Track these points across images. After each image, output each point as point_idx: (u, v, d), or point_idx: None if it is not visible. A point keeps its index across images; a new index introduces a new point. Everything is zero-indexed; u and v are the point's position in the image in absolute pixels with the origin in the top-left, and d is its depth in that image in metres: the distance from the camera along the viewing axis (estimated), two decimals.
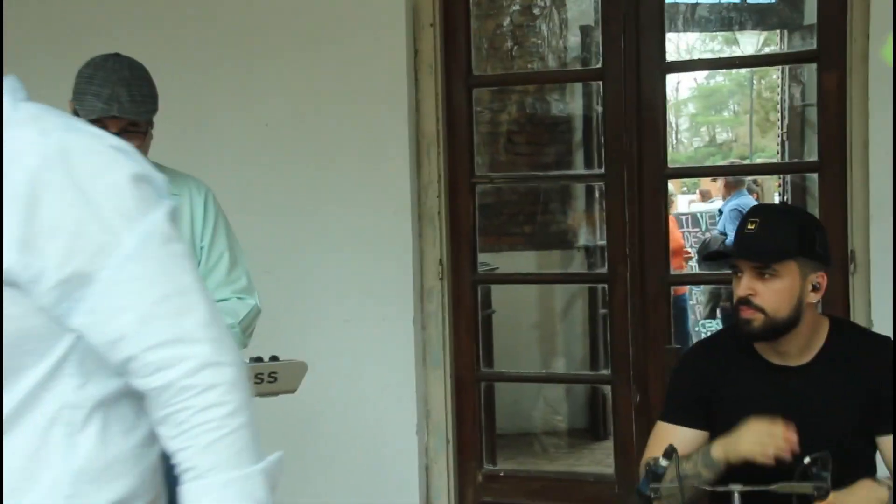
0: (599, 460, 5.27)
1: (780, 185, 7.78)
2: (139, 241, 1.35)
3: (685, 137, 21.82)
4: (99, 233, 1.34)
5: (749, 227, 2.34)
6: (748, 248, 2.32)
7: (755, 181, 8.24)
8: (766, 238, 2.30)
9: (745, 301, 2.32)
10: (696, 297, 8.09)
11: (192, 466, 1.37)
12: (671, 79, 19.21)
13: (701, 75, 21.28)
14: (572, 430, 6.21)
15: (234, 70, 3.51)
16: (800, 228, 2.33)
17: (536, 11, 6.78)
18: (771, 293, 2.29)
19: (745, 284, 2.32)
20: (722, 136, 20.30)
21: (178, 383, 1.37)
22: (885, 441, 2.34)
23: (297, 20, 3.48)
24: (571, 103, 6.84)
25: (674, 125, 21.62)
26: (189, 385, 1.37)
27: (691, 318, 7.78)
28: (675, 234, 7.33)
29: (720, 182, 8.32)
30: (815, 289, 2.33)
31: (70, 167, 1.33)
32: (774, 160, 9.29)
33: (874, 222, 3.05)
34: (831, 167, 3.21)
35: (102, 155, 1.37)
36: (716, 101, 20.43)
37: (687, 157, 19.90)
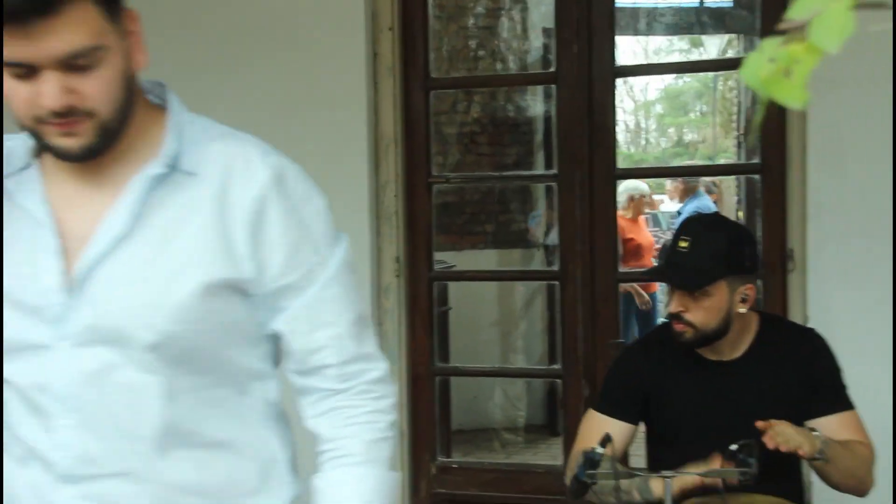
0: (555, 455, 5.39)
1: (738, 186, 7.94)
2: (338, 266, 1.54)
3: (653, 138, 22.01)
4: (311, 253, 1.51)
5: (681, 244, 2.45)
6: (679, 271, 2.45)
7: (714, 182, 8.40)
8: (696, 260, 2.42)
9: (677, 316, 2.45)
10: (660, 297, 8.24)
11: (353, 453, 1.55)
12: (640, 81, 19.31)
13: (669, 76, 21.47)
14: (530, 425, 6.34)
15: (195, 74, 3.58)
16: (728, 246, 2.45)
17: (499, 13, 6.90)
18: (701, 310, 2.43)
19: (677, 301, 2.45)
20: (688, 137, 20.51)
21: (360, 387, 1.57)
22: (816, 425, 2.46)
23: (257, 25, 3.57)
24: (533, 104, 6.97)
25: (643, 126, 21.83)
26: (369, 389, 1.57)
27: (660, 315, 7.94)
28: (646, 233, 7.49)
29: (674, 185, 8.48)
30: (743, 300, 2.46)
31: (288, 190, 1.50)
32: (733, 161, 9.47)
33: (811, 222, 3.18)
34: (772, 169, 3.33)
35: (307, 181, 1.55)
36: (683, 103, 20.64)
37: (654, 157, 20.10)
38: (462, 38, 6.78)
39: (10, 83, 1.33)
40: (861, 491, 2.42)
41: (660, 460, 2.55)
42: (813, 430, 2.32)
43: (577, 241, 3.54)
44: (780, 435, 2.21)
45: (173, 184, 1.45)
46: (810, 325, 2.95)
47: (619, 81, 3.68)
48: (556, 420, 5.89)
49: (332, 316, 1.54)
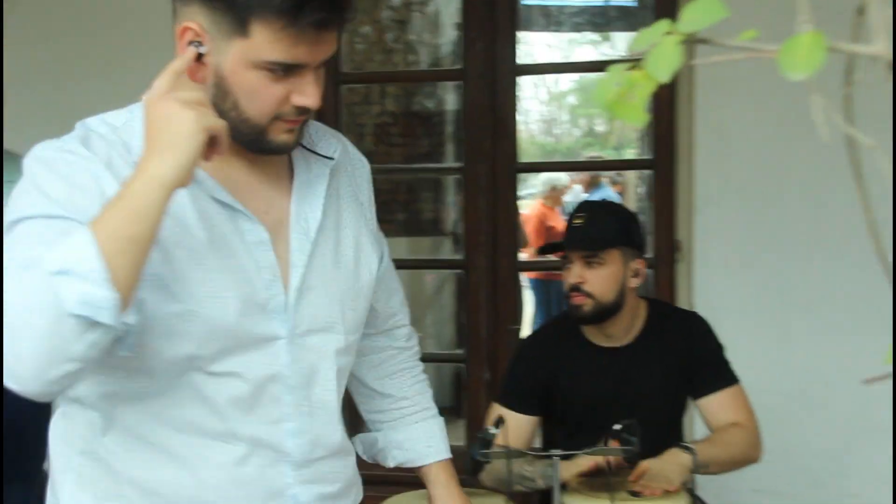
0: (460, 436, 5.54)
1: (639, 178, 8.21)
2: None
3: (566, 128, 22.31)
4: (378, 230, 1.71)
5: (577, 220, 2.62)
6: (577, 239, 2.61)
7: (619, 174, 8.66)
8: (592, 230, 2.59)
9: (576, 288, 2.61)
10: None
11: (429, 407, 1.86)
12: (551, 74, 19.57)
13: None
14: (439, 408, 6.47)
15: (68, 75, 3.59)
16: (620, 221, 2.63)
17: (412, 7, 7.01)
18: (598, 279, 2.58)
19: (576, 272, 2.60)
20: (599, 128, 20.85)
21: (414, 349, 1.85)
22: (704, 402, 2.64)
23: (141, 23, 3.58)
24: (445, 97, 7.10)
25: (556, 116, 22.10)
26: (417, 352, 1.86)
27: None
28: (563, 220, 7.70)
29: (579, 176, 8.72)
30: (635, 274, 2.63)
31: None
32: (637, 152, 9.76)
33: (697, 215, 3.38)
34: (662, 165, 3.53)
35: None
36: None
37: (567, 147, 20.40)
38: (376, 31, 6.88)
39: (264, 82, 1.34)
40: (749, 464, 2.59)
41: (553, 442, 2.70)
42: (686, 446, 2.47)
43: (480, 231, 3.69)
44: (652, 480, 2.38)
45: (329, 173, 1.57)
46: (700, 311, 3.15)
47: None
48: (462, 403, 6.04)
49: (397, 283, 1.78)
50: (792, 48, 0.72)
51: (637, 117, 0.86)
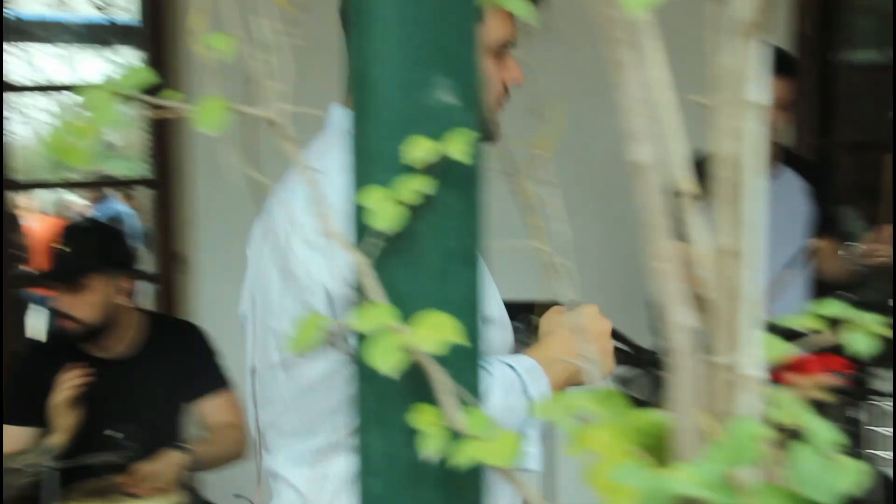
0: None
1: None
2: None
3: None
4: None
5: (61, 248, 2.69)
6: (56, 270, 2.69)
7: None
8: (70, 259, 2.66)
9: (62, 314, 2.68)
10: None
11: None
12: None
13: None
14: None
15: None
16: (100, 245, 2.73)
17: None
18: (82, 305, 2.65)
19: (61, 299, 2.67)
20: (121, 140, 20.39)
21: None
22: (199, 405, 2.81)
23: None
24: None
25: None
26: None
27: None
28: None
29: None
30: (123, 292, 2.74)
31: None
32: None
33: (199, 229, 3.59)
34: (162, 182, 3.67)
35: None
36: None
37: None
38: None
39: (492, 68, 1.34)
40: (239, 460, 2.80)
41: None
42: (181, 446, 2.64)
43: None
44: (146, 481, 2.53)
45: None
46: (204, 321, 3.33)
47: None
48: None
49: None
50: (202, 109, 0.90)
51: (84, 162, 1.00)
